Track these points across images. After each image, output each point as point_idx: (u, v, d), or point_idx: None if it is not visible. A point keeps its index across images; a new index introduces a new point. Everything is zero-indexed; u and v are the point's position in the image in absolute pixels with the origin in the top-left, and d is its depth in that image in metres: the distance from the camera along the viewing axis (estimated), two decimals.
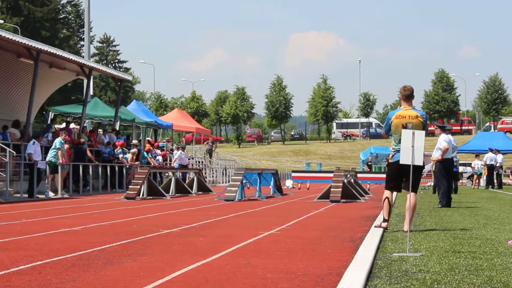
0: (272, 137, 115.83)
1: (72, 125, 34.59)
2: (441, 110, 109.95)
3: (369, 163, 66.31)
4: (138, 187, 25.48)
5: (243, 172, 25.91)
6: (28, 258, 8.50)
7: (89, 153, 32.43)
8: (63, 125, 37.73)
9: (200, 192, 30.97)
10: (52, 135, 30.92)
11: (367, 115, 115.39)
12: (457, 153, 23.35)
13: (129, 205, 21.48)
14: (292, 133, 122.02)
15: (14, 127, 29.86)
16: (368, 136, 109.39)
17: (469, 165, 55.58)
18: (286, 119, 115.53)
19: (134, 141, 37.36)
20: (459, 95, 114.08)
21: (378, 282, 6.79)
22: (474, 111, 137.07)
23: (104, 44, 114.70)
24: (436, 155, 21.09)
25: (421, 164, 10.43)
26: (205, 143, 61.47)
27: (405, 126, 11.98)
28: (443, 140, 20.81)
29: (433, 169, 22.00)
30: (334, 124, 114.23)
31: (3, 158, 25.96)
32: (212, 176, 52.32)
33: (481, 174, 45.88)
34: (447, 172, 21.15)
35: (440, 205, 20.59)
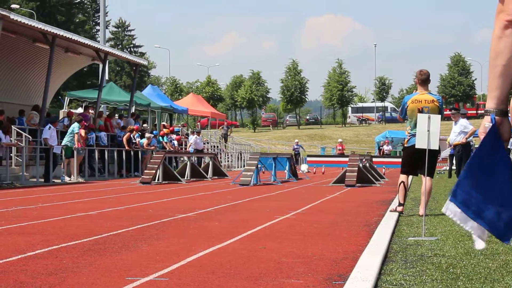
0: (287, 122, 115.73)
1: (80, 110, 34.63)
2: (457, 94, 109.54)
3: (380, 148, 65.23)
4: (154, 171, 25.53)
5: (258, 157, 25.93)
6: (44, 243, 8.54)
7: (124, 141, 32.60)
8: (79, 110, 37.83)
9: (216, 177, 31.02)
10: (68, 120, 31.00)
11: (382, 99, 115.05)
12: (473, 137, 23.26)
13: (145, 190, 21.53)
14: (307, 117, 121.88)
15: (35, 112, 29.92)
16: (383, 120, 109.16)
17: None
18: (302, 104, 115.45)
19: (145, 125, 37.53)
20: (475, 79, 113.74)
21: (394, 266, 6.79)
22: None
23: (120, 29, 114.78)
24: (458, 138, 20.96)
25: (437, 148, 10.41)
26: (220, 127, 61.51)
27: (421, 111, 11.96)
28: (467, 123, 20.70)
29: (451, 153, 21.83)
30: (350, 109, 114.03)
31: (19, 142, 26.07)
32: (227, 161, 52.37)
33: None
34: (467, 156, 21.08)
35: None
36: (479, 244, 3.25)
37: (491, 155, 3.16)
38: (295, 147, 60.61)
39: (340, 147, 59.63)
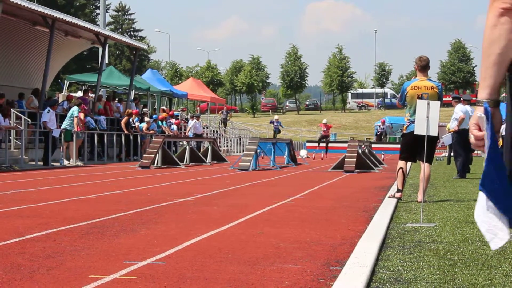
0: (287, 107, 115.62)
1: (79, 93, 34.61)
2: (457, 81, 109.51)
3: (377, 134, 62.70)
4: (153, 156, 25.54)
5: (257, 142, 25.92)
6: (42, 226, 8.55)
7: (123, 125, 32.59)
8: (79, 93, 37.79)
9: (215, 161, 31.03)
10: (67, 104, 30.97)
11: (382, 85, 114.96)
12: None
13: (144, 174, 21.54)
14: (307, 102, 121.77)
15: (34, 95, 29.88)
16: (383, 106, 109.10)
17: None
18: (301, 89, 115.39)
19: (145, 109, 37.55)
20: (475, 65, 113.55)
21: (391, 252, 6.79)
22: None
23: (120, 13, 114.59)
24: (453, 125, 20.97)
25: (436, 135, 10.41)
26: (220, 112, 61.48)
27: (420, 97, 11.95)
28: (459, 110, 20.69)
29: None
30: (349, 94, 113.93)
31: (18, 126, 26.05)
32: (227, 146, 52.38)
33: None
34: (465, 143, 21.00)
35: (459, 176, 20.44)
36: (496, 243, 3.16)
37: (496, 146, 3.12)
38: (275, 123, 54.05)
39: (325, 128, 50.08)
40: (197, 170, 24.81)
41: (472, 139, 3.17)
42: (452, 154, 25.99)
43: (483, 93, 3.16)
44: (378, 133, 56.21)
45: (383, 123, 54.82)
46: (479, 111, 3.14)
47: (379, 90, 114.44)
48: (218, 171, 24.08)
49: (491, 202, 3.10)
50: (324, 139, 49.06)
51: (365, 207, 11.36)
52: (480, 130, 3.13)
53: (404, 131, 12.72)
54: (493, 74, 3.12)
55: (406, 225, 8.95)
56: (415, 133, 10.57)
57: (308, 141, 58.09)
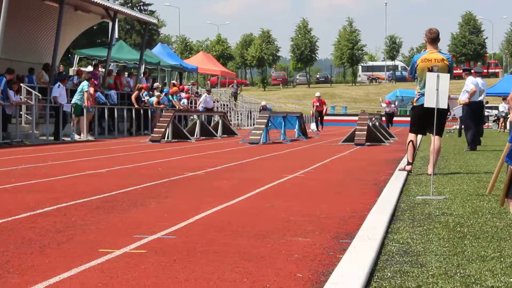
0: (297, 80, 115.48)
1: (89, 68, 34.58)
2: (468, 53, 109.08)
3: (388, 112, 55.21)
4: (163, 130, 25.54)
5: (268, 115, 25.90)
6: (53, 200, 8.57)
7: (133, 99, 32.62)
8: (89, 68, 37.76)
9: (225, 135, 31.01)
10: (77, 78, 30.96)
11: (393, 58, 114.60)
12: (485, 95, 23.07)
13: (154, 148, 21.56)
14: (318, 76, 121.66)
15: (44, 70, 29.88)
16: (393, 79, 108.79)
17: (496, 108, 55.15)
18: (312, 62, 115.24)
19: (156, 84, 37.51)
20: (486, 37, 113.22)
21: (401, 225, 6.79)
22: (501, 53, 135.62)
23: None
24: (463, 98, 20.89)
25: (446, 107, 10.36)
26: (230, 86, 61.39)
27: (431, 69, 11.89)
28: (470, 82, 20.60)
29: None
30: (360, 67, 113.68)
31: (29, 101, 26.08)
32: (237, 119, 52.37)
33: (507, 117, 45.59)
34: (475, 115, 20.92)
35: (469, 148, 20.38)
36: None
37: None
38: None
39: (318, 103, 42.21)
40: (207, 144, 24.82)
41: None
42: (462, 126, 25.91)
43: None
44: (388, 112, 45.50)
45: (388, 104, 46.57)
46: None
47: (389, 63, 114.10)
48: (228, 145, 24.08)
49: None
50: (319, 116, 42.39)
51: (375, 180, 11.36)
52: None
53: (414, 104, 12.68)
54: None
55: (416, 197, 8.94)
56: (425, 106, 10.53)
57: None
